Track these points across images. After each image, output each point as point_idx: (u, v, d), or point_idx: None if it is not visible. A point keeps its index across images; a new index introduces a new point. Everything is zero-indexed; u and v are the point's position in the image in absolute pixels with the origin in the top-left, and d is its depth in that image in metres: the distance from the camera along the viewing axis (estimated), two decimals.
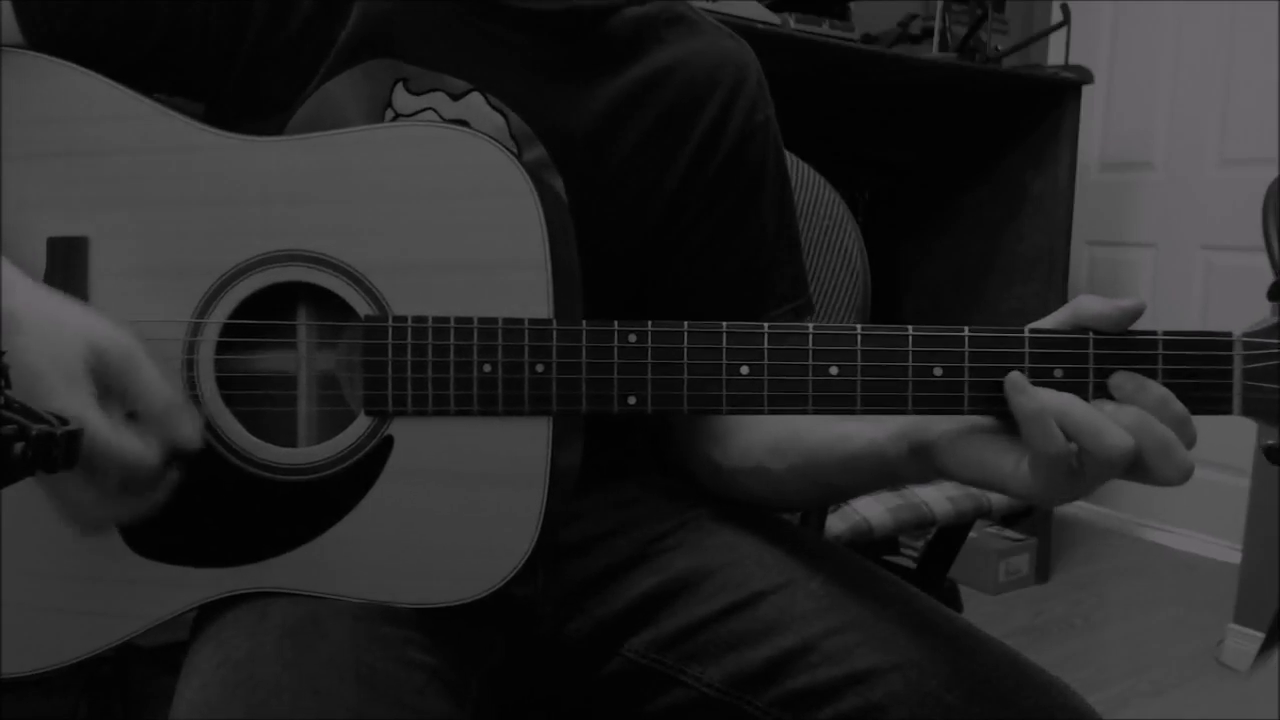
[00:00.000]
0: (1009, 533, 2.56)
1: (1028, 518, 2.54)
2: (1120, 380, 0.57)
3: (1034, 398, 0.56)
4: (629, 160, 0.78)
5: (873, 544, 1.64)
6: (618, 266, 0.78)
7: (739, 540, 0.76)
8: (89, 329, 0.59)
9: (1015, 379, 0.57)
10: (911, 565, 2.15)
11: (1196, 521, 2.83)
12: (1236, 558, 2.23)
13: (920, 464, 0.64)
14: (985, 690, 0.64)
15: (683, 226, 0.80)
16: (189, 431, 0.60)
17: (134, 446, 0.57)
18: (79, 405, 0.56)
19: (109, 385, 0.58)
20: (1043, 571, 2.57)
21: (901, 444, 0.64)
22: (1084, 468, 0.55)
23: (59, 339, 0.57)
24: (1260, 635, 2.10)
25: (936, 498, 1.66)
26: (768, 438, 0.76)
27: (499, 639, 0.74)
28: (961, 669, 0.65)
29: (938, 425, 0.62)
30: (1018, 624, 2.31)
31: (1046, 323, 0.60)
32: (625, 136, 0.78)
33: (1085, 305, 0.58)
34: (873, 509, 1.62)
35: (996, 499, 1.70)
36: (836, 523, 1.58)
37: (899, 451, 0.65)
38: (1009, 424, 0.58)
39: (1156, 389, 0.56)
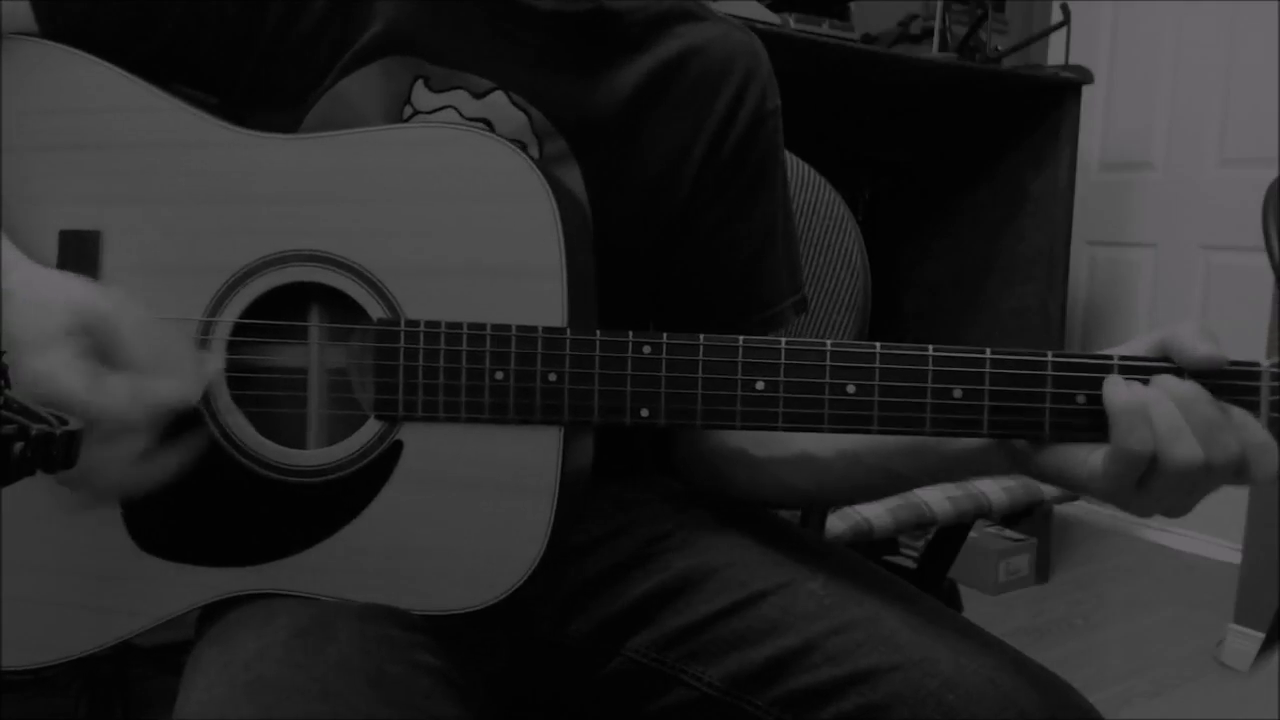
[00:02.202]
0: (1009, 533, 2.56)
1: (1028, 517, 2.53)
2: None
3: (1132, 390, 0.56)
4: (649, 145, 0.78)
5: (873, 544, 1.64)
6: (634, 256, 0.79)
7: (740, 540, 0.76)
8: (75, 295, 0.60)
9: (1114, 378, 0.58)
10: (911, 565, 2.15)
11: (1196, 521, 2.81)
12: (1236, 558, 2.22)
13: (1006, 457, 0.63)
14: (986, 690, 0.64)
15: (695, 212, 0.81)
16: (175, 384, 0.60)
17: (114, 399, 0.57)
18: (55, 365, 0.56)
19: (98, 341, 0.59)
20: (1043, 571, 2.57)
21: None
22: (1154, 472, 0.56)
23: (44, 307, 0.59)
24: (1260, 635, 2.10)
25: (936, 498, 1.66)
26: None
27: (503, 641, 0.74)
28: (963, 669, 0.65)
29: None
30: (1018, 624, 2.31)
31: (1133, 346, 0.59)
32: (645, 121, 0.78)
33: (1179, 340, 0.58)
34: (873, 509, 1.61)
35: (996, 499, 1.69)
36: (836, 523, 1.58)
37: (981, 441, 0.63)
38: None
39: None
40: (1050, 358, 0.59)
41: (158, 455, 0.61)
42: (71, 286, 0.61)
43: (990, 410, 0.59)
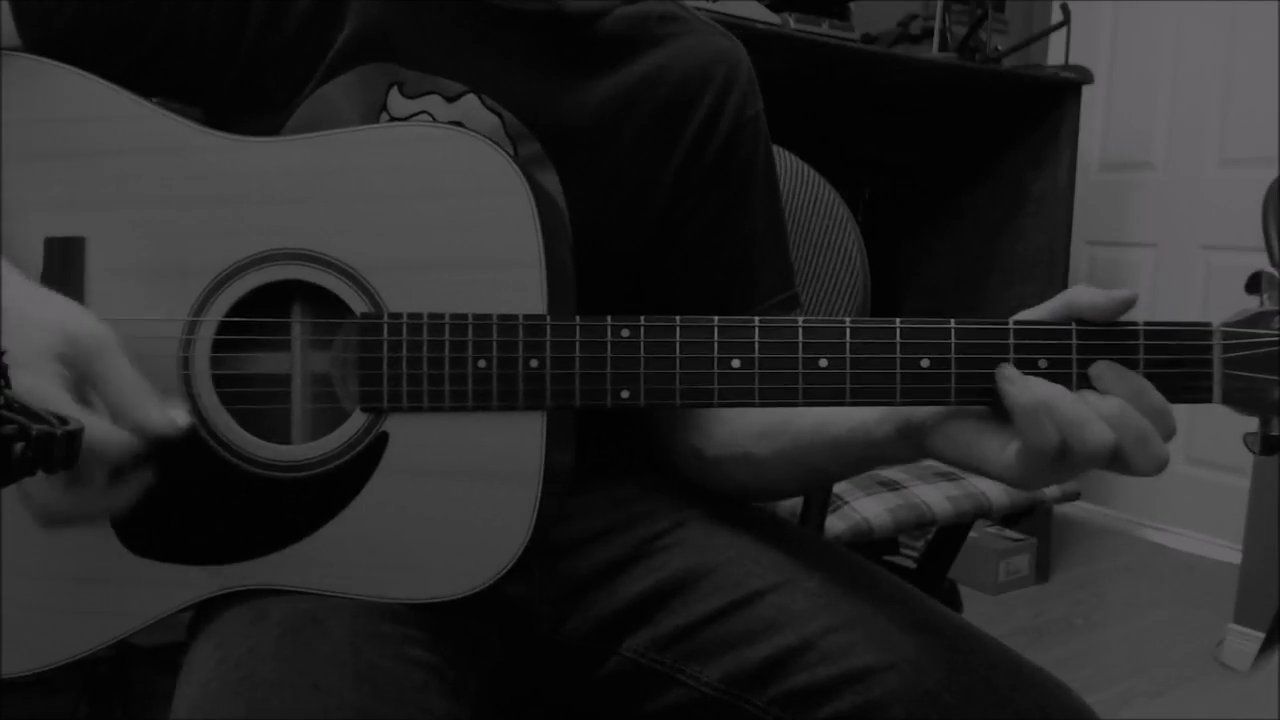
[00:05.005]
0: (1009, 533, 2.56)
1: (1028, 517, 2.54)
2: (1100, 370, 0.58)
3: (1028, 389, 0.57)
4: (624, 156, 0.78)
5: (872, 544, 1.64)
6: (613, 261, 0.79)
7: (737, 539, 0.76)
8: (63, 318, 0.59)
9: (1007, 371, 0.58)
10: (911, 565, 2.15)
11: (1196, 521, 2.83)
12: (1236, 558, 2.22)
13: (908, 445, 0.64)
14: (983, 689, 0.64)
15: (676, 221, 0.81)
16: (156, 419, 0.59)
17: (99, 431, 0.57)
18: (40, 386, 0.56)
19: (80, 372, 0.58)
20: (1043, 571, 2.57)
21: (888, 425, 0.65)
22: (1066, 458, 0.56)
23: (33, 326, 0.58)
24: (1260, 635, 2.10)
25: (936, 498, 1.66)
26: (755, 424, 0.76)
27: (497, 637, 0.74)
28: (959, 668, 0.65)
29: (925, 408, 0.62)
30: (1018, 624, 2.31)
31: (1038, 311, 0.61)
32: (621, 133, 0.78)
33: (1078, 295, 0.60)
34: (872, 509, 1.61)
35: (996, 499, 1.70)
36: (836, 523, 1.58)
37: (886, 433, 0.65)
38: (996, 409, 0.59)
39: (1135, 379, 0.58)
40: (1012, 325, 0.60)
41: (113, 486, 0.61)
42: (64, 310, 0.61)
43: (957, 378, 0.61)
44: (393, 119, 0.74)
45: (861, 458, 0.69)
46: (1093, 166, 3.05)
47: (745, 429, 0.76)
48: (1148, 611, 2.44)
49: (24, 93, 0.68)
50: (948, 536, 1.77)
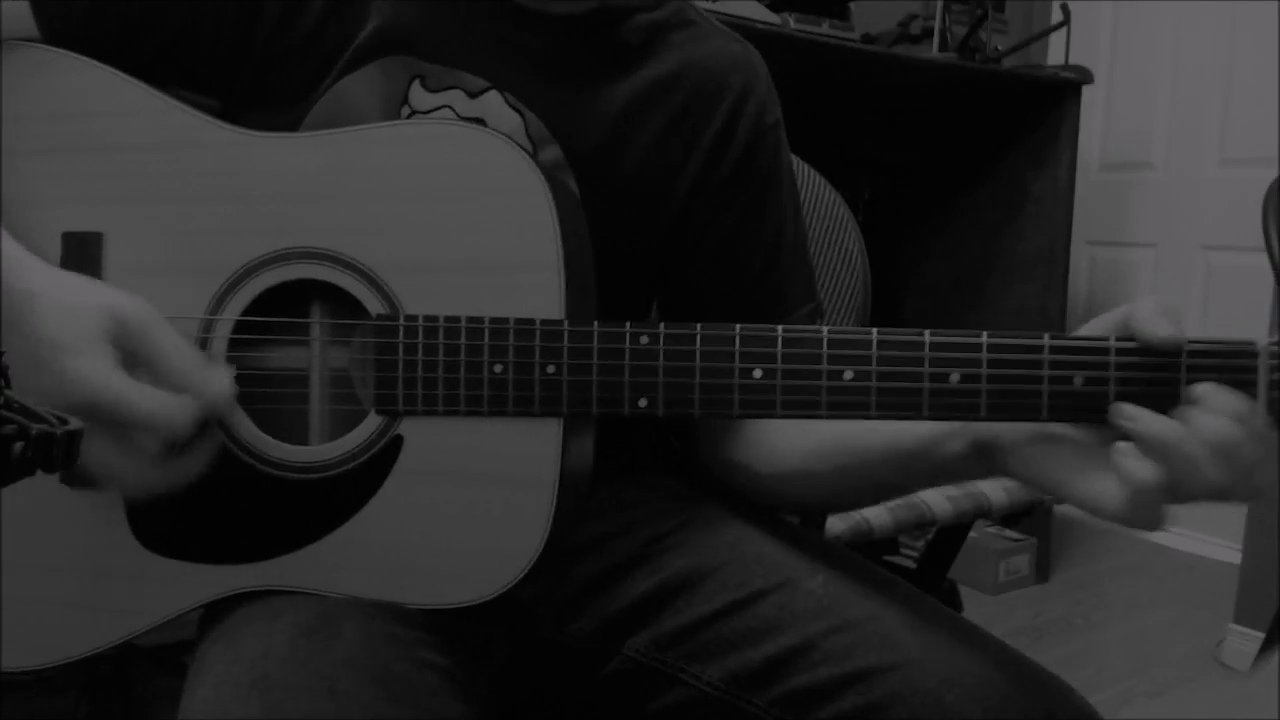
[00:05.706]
0: (1009, 533, 2.56)
1: (1028, 517, 2.53)
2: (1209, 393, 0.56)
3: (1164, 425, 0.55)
4: (641, 163, 0.78)
5: (873, 544, 1.64)
6: (632, 269, 0.79)
7: (739, 539, 0.76)
8: (106, 299, 0.60)
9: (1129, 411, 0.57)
10: (911, 565, 2.14)
11: (1196, 521, 2.82)
12: (1236, 558, 2.22)
13: (984, 464, 0.64)
14: (985, 689, 0.64)
15: (696, 229, 0.81)
16: (217, 383, 0.61)
17: (161, 404, 0.58)
18: (101, 369, 0.57)
19: (131, 351, 0.59)
20: (1043, 571, 2.57)
21: (960, 442, 0.64)
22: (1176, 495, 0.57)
23: (77, 310, 0.59)
24: (1260, 635, 2.10)
25: (936, 498, 1.65)
26: (807, 440, 0.76)
27: (505, 639, 0.74)
28: (961, 668, 0.65)
29: (1005, 427, 0.62)
30: (1018, 624, 2.31)
31: (1094, 325, 0.59)
32: (637, 140, 0.78)
33: (1139, 321, 0.58)
34: (872, 509, 1.61)
35: (996, 499, 1.69)
36: (836, 523, 1.58)
37: (959, 450, 0.65)
38: (1087, 436, 0.58)
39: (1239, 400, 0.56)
40: (1047, 340, 0.59)
41: (184, 455, 0.62)
42: (100, 291, 0.62)
43: (988, 394, 0.59)
44: (414, 112, 0.73)
45: (931, 474, 0.69)
46: (1093, 166, 3.05)
47: (797, 445, 0.76)
48: (1148, 611, 2.44)
49: (42, 85, 0.68)
50: (948, 536, 1.76)
